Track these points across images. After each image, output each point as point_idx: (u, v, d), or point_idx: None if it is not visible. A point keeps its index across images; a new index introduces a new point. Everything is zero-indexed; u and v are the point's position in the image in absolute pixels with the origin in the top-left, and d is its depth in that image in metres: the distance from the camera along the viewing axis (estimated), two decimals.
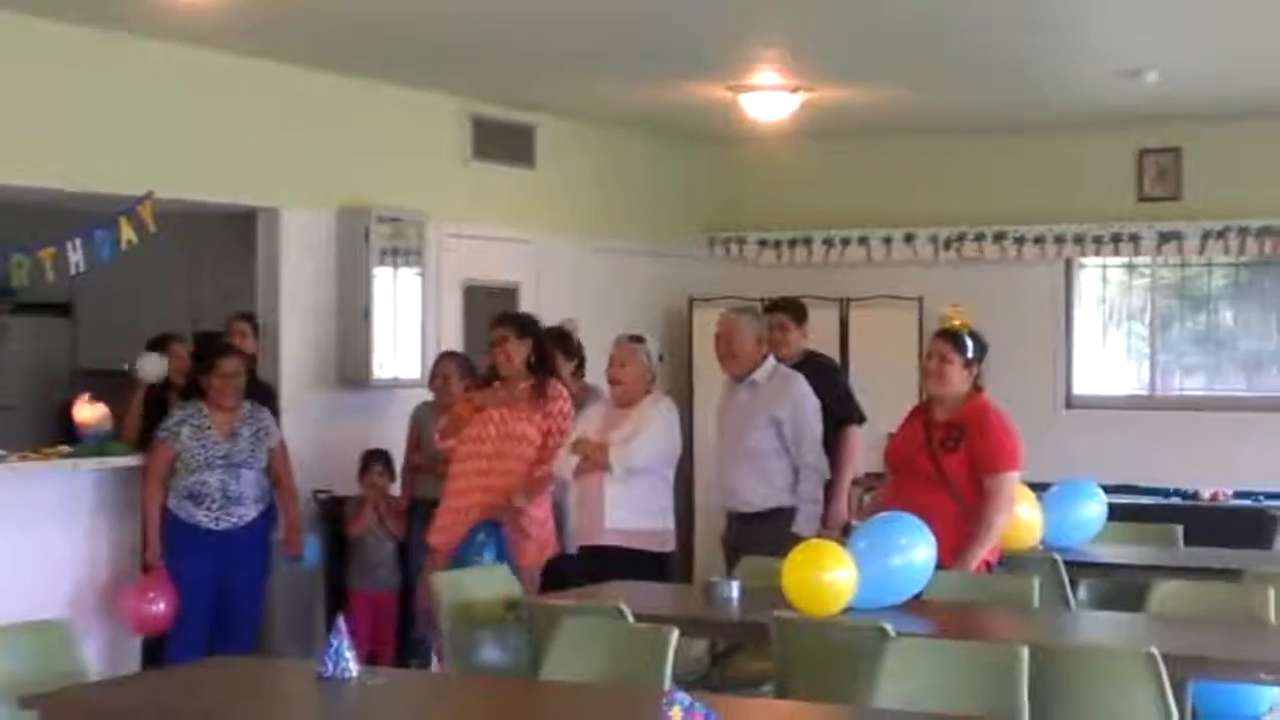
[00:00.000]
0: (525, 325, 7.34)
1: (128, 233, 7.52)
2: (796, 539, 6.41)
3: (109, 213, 7.50)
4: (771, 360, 7.39)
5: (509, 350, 7.20)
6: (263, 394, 7.99)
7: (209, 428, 7.40)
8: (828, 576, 5.53)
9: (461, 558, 6.92)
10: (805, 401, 7.24)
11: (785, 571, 5.58)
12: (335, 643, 4.73)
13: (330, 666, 4.71)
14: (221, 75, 8.17)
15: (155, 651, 7.50)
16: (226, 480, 7.36)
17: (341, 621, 4.82)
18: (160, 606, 7.21)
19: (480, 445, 7.17)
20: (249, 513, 7.43)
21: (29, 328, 9.21)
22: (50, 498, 7.30)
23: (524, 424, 7.11)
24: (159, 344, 8.36)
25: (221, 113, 8.17)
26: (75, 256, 7.38)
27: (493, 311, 9.31)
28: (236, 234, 8.70)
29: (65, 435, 8.20)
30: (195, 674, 5.12)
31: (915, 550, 5.78)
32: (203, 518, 7.34)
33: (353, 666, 4.72)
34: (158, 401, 7.97)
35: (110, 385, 8.26)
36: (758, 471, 7.19)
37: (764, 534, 6.97)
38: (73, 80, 7.50)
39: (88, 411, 7.55)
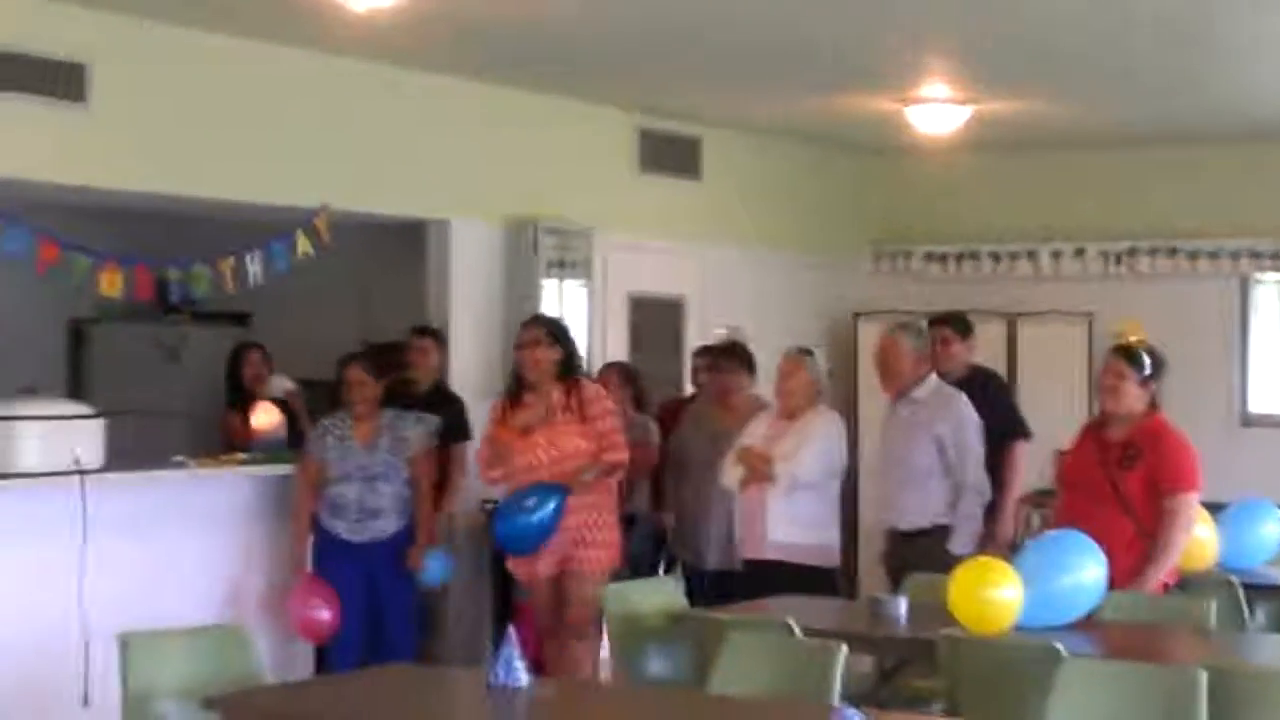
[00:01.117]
0: (559, 332, 7.15)
1: (304, 245, 7.69)
2: (954, 558, 6.36)
3: (286, 225, 7.67)
4: (933, 378, 7.31)
5: (539, 355, 7.02)
6: (446, 405, 8.05)
7: (349, 438, 7.35)
8: (994, 594, 5.47)
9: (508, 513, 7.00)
10: (967, 419, 7.15)
11: (951, 588, 5.53)
12: (505, 652, 4.78)
13: (500, 675, 4.76)
14: (394, 90, 8.30)
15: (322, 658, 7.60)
16: (364, 493, 7.29)
17: (512, 630, 4.86)
18: (325, 613, 7.22)
19: (534, 474, 6.98)
20: (389, 526, 7.35)
21: (209, 337, 9.43)
22: (227, 503, 7.46)
23: (573, 439, 6.98)
24: (237, 353, 8.47)
25: (394, 126, 8.31)
26: (254, 268, 7.55)
27: (659, 323, 9.38)
28: (408, 245, 8.83)
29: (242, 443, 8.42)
30: (370, 680, 5.20)
31: (1085, 570, 5.69)
32: (343, 529, 7.33)
33: (522, 676, 4.76)
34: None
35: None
36: (919, 489, 7.11)
37: (922, 552, 6.91)
38: (251, 96, 7.69)
39: (264, 419, 7.70)
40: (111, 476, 6.88)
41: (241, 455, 7.59)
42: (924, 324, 7.79)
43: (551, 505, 6.91)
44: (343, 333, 9.17)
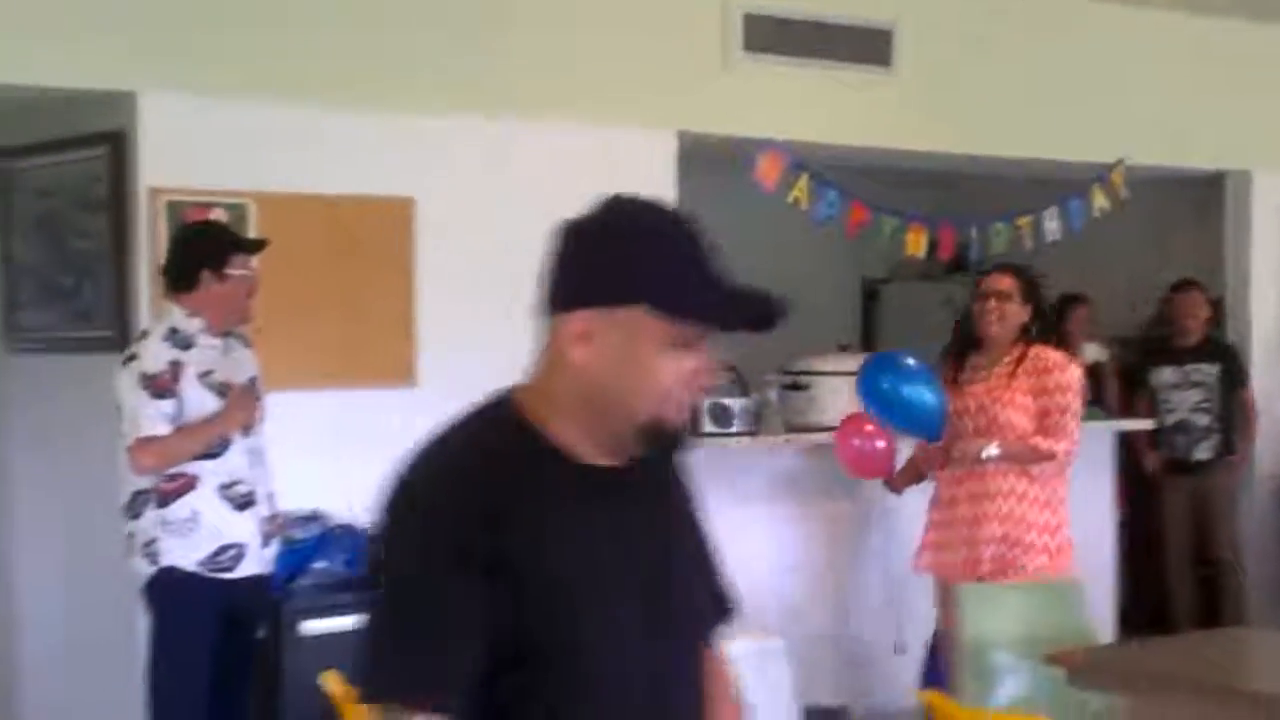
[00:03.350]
0: (1033, 286, 5.75)
1: (1100, 200, 7.59)
2: None
3: (1077, 181, 7.58)
4: None
5: (1006, 310, 5.63)
6: (1219, 356, 8.01)
7: None
8: None
9: None
10: None
11: None
12: None
13: None
14: (1193, 40, 8.05)
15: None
16: None
17: None
18: (879, 443, 6.40)
19: (958, 421, 5.68)
20: None
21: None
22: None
23: (1007, 408, 5.54)
24: (1062, 305, 8.36)
25: (1193, 77, 8.06)
26: (1051, 225, 7.52)
27: None
28: (1201, 199, 8.55)
29: None
30: (1217, 642, 5.04)
31: None
32: None
33: None
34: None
35: None
36: None
37: None
38: (1048, 52, 7.66)
39: None
40: None
41: None
42: None
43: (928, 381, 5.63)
44: (1133, 291, 9.00)
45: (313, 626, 5.28)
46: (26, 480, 6.23)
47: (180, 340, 4.79)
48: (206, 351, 4.83)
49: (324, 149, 5.85)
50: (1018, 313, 5.62)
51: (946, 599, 5.57)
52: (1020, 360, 5.57)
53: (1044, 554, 5.48)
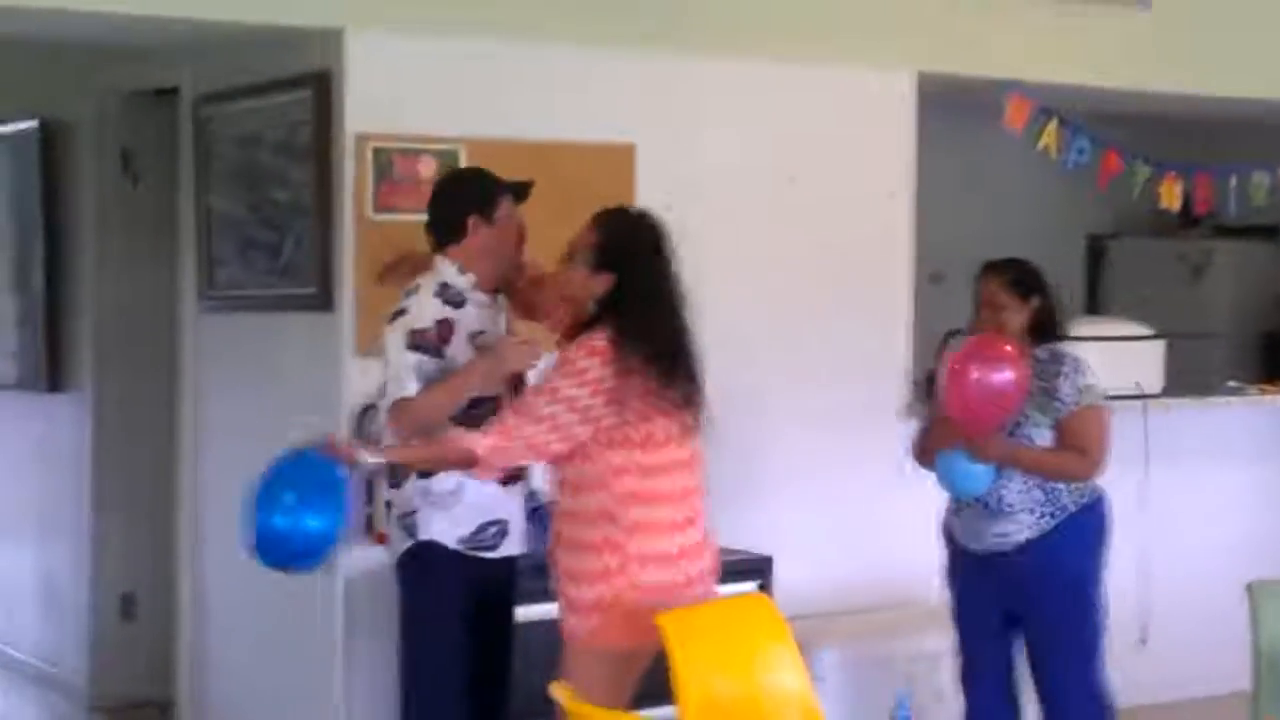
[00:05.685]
0: (613, 235, 4.15)
1: None
2: None
3: None
4: None
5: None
6: None
7: None
8: None
9: None
10: None
11: None
12: None
13: None
14: None
15: None
16: None
17: None
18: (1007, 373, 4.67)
19: None
20: None
21: (1237, 252, 8.81)
22: None
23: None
24: None
25: None
26: None
27: None
28: None
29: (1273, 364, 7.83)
30: None
31: None
32: None
33: None
34: None
35: None
36: None
37: None
38: None
39: None
40: (1171, 401, 6.53)
41: None
42: None
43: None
44: None
45: None
46: (221, 451, 5.86)
47: (452, 296, 4.36)
48: (478, 310, 4.41)
49: (540, 92, 5.41)
50: (579, 282, 4.11)
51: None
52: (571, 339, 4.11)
53: (586, 614, 4.02)
